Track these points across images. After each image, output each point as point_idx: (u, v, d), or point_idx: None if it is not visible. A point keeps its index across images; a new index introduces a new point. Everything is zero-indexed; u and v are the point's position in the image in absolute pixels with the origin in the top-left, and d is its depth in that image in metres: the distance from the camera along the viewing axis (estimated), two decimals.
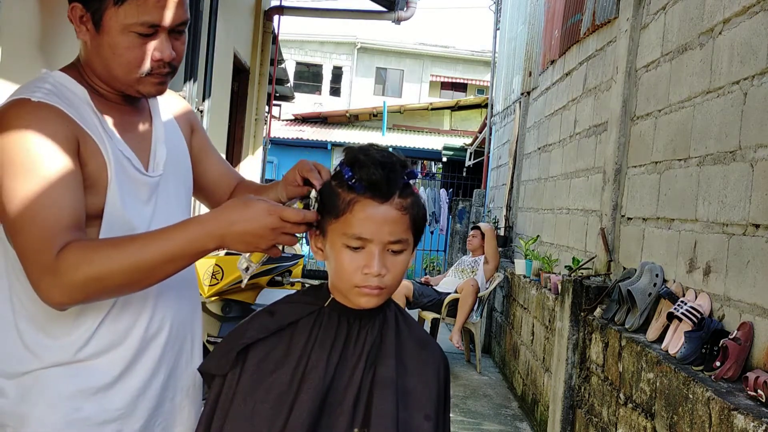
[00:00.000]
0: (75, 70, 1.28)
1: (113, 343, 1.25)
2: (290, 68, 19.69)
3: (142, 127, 1.34)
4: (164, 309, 1.32)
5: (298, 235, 1.19)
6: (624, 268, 3.38)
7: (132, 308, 1.27)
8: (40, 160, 1.13)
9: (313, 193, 1.22)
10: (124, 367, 1.26)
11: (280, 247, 1.26)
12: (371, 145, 1.20)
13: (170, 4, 1.22)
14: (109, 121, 1.26)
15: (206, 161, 1.53)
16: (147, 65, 1.24)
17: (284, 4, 6.65)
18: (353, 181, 1.15)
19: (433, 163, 15.51)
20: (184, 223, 1.18)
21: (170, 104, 1.47)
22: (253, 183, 1.69)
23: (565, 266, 4.19)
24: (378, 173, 1.14)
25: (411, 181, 1.21)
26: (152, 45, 1.23)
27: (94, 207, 1.20)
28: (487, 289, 6.09)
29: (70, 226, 1.13)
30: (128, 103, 1.32)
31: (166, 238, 1.15)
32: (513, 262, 5.81)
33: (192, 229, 1.16)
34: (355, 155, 1.17)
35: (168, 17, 1.22)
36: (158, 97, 1.42)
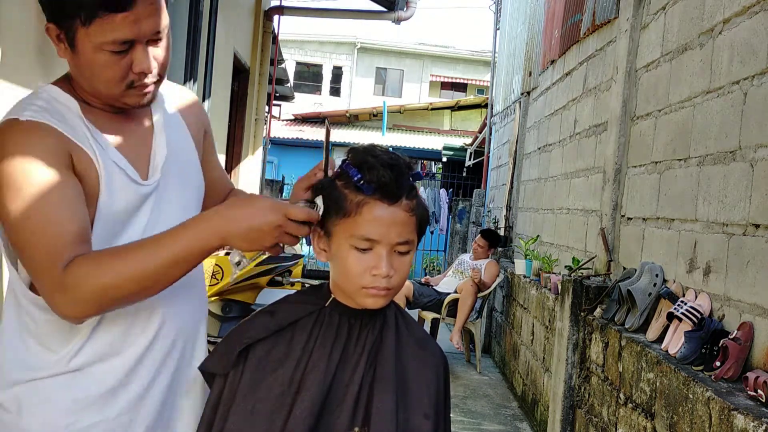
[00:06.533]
0: (67, 83, 1.26)
1: (110, 350, 1.24)
2: (290, 68, 19.68)
3: (141, 133, 1.31)
4: (162, 311, 1.29)
5: (299, 236, 1.17)
6: (624, 268, 3.38)
7: (126, 313, 1.24)
8: (35, 180, 1.12)
9: (320, 199, 1.19)
10: (124, 375, 1.25)
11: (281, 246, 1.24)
12: (375, 146, 1.20)
13: (140, 16, 1.16)
14: (102, 132, 1.24)
15: (207, 164, 1.50)
16: (128, 79, 1.20)
17: (284, 4, 6.65)
18: (362, 182, 1.14)
19: (433, 163, 15.51)
20: (186, 223, 1.15)
21: (180, 102, 1.42)
22: (246, 193, 1.66)
23: (565, 266, 4.19)
24: (387, 175, 1.14)
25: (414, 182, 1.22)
26: (130, 59, 1.19)
27: (90, 218, 1.19)
28: (487, 289, 6.09)
29: (73, 241, 1.12)
30: (123, 111, 1.28)
31: (169, 241, 1.13)
32: (513, 262, 5.81)
33: (195, 228, 1.14)
34: (363, 156, 1.17)
35: (140, 30, 1.17)
36: (169, 95, 1.39)
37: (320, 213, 1.18)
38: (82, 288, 1.10)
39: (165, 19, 1.21)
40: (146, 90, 1.23)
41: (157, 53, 1.21)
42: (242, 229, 1.13)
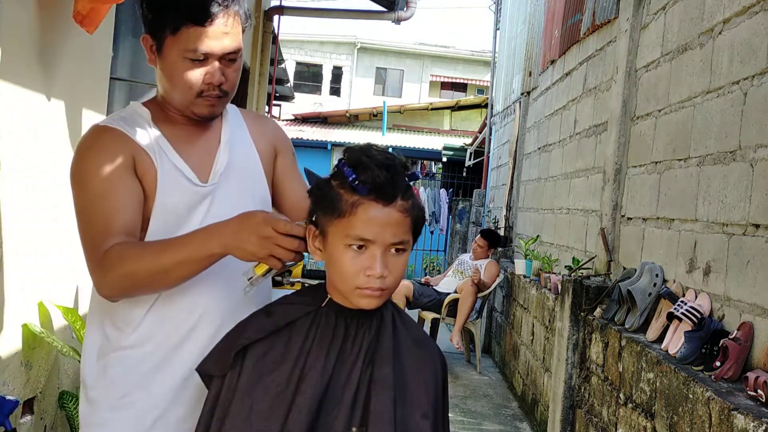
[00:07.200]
0: (152, 100, 1.48)
1: (155, 332, 1.39)
2: (290, 68, 19.67)
3: (208, 144, 1.48)
4: (203, 304, 1.40)
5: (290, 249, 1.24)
6: (624, 268, 3.38)
7: (174, 300, 1.38)
8: (95, 178, 1.34)
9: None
10: (165, 356, 1.38)
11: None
12: (371, 146, 1.20)
13: (218, 34, 1.36)
14: (170, 138, 1.42)
15: (286, 187, 1.62)
16: (199, 88, 1.38)
17: (284, 4, 6.64)
18: (357, 183, 1.14)
19: (433, 163, 15.50)
20: (197, 231, 1.32)
21: (253, 124, 1.59)
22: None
23: (565, 266, 4.19)
24: (383, 175, 1.14)
25: (411, 183, 1.21)
26: (204, 70, 1.37)
27: (147, 213, 1.38)
28: (487, 289, 6.09)
29: (116, 232, 1.32)
30: (196, 122, 1.45)
31: (181, 244, 1.29)
32: (513, 262, 5.81)
33: (202, 236, 1.29)
34: (358, 156, 1.17)
35: (216, 46, 1.36)
36: (245, 118, 1.57)
37: (304, 226, 1.24)
38: (112, 271, 1.29)
39: (238, 44, 1.40)
40: (212, 102, 1.41)
41: (227, 72, 1.40)
42: (239, 239, 1.25)
